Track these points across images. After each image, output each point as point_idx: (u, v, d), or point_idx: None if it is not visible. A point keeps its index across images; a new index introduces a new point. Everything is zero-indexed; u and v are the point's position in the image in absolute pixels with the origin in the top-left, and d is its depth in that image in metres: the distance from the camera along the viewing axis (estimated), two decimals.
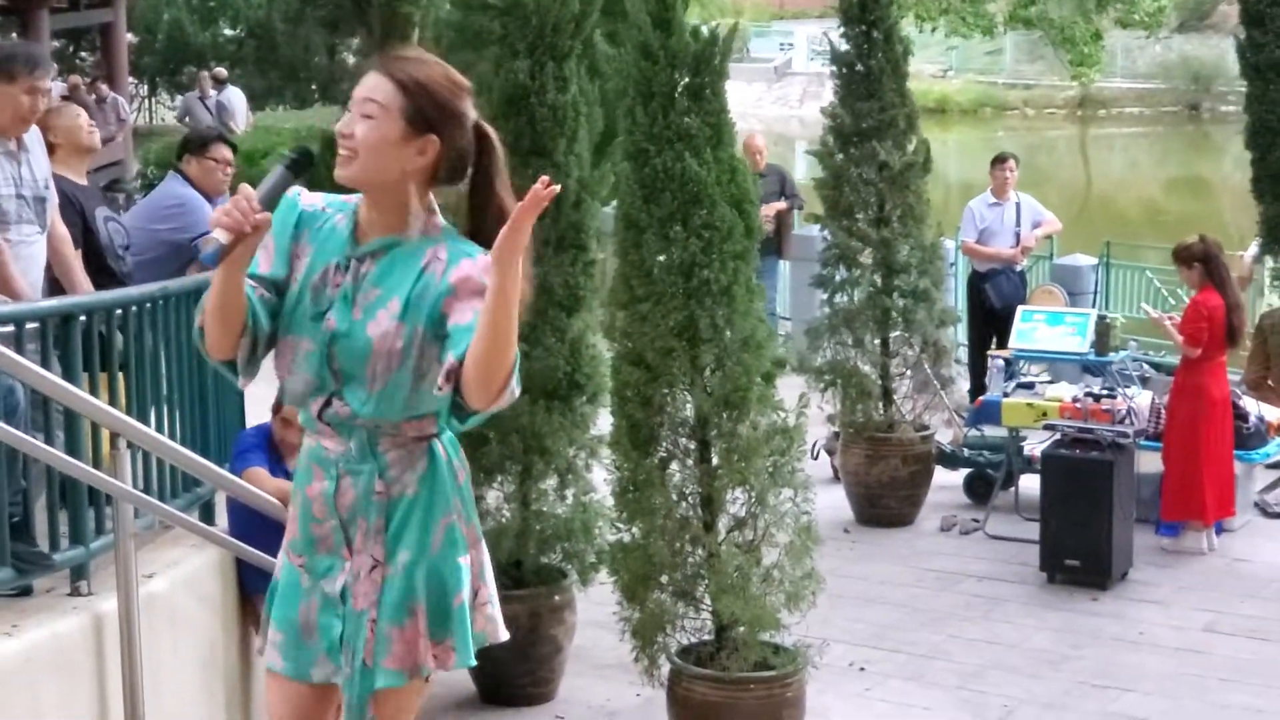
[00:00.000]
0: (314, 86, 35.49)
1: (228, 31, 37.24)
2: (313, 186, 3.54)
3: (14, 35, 20.27)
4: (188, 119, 24.14)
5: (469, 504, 3.50)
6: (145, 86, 36.53)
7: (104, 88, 23.12)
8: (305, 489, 3.50)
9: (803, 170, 21.91)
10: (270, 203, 3.34)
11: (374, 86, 3.35)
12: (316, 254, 3.41)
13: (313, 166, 3.42)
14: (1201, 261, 9.28)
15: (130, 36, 27.62)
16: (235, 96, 23.53)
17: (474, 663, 3.46)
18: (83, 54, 34.76)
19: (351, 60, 35.76)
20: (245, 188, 3.29)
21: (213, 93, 24.43)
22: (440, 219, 3.42)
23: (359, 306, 3.36)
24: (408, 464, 3.41)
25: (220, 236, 3.24)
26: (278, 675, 3.50)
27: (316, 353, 3.37)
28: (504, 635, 3.56)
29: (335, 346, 3.36)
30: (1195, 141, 42.09)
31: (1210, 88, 44.41)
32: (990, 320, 11.78)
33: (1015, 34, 46.99)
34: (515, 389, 3.22)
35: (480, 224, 3.39)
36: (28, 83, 5.79)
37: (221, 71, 25.72)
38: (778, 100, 47.48)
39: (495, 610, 3.55)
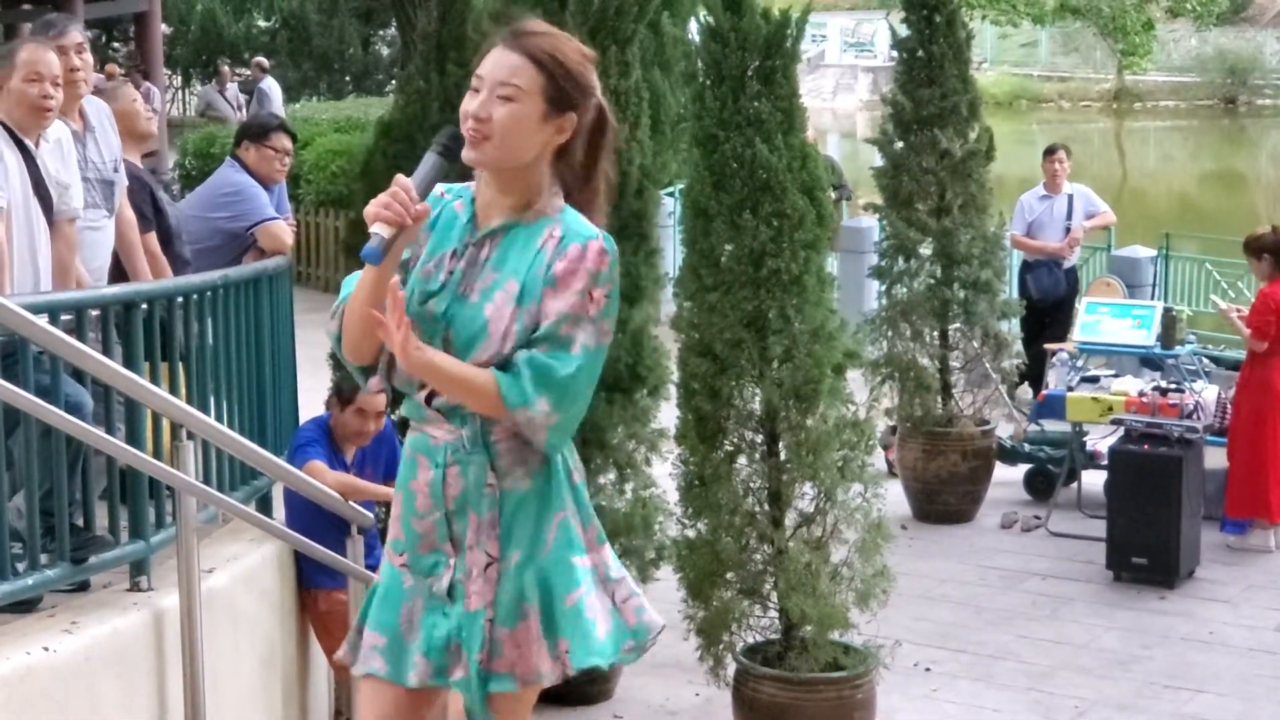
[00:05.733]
0: (348, 78, 35.45)
1: (261, 23, 37.21)
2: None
3: None
4: (208, 111, 24.09)
5: (584, 505, 3.37)
6: (178, 78, 36.52)
7: (139, 79, 23.01)
8: (409, 484, 3.35)
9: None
10: (425, 191, 3.21)
11: (510, 66, 3.19)
12: (435, 241, 3.29)
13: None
14: (1271, 253, 9.05)
15: (163, 27, 27.53)
16: (272, 87, 23.40)
17: (596, 661, 3.32)
18: (115, 44, 34.73)
19: (386, 51, 35.84)
20: (401, 178, 3.16)
21: (230, 84, 24.33)
22: (560, 198, 3.29)
23: (476, 290, 3.24)
24: (520, 457, 3.27)
25: (382, 231, 3.11)
26: (375, 679, 3.36)
27: (427, 337, 3.23)
28: (657, 622, 3.48)
29: (451, 330, 3.23)
30: (1231, 135, 41.75)
31: (1246, 81, 44.08)
32: (1031, 312, 11.56)
33: (1051, 25, 46.59)
34: (528, 412, 3.17)
35: (581, 193, 3.29)
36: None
37: (264, 61, 25.60)
38: (810, 92, 47.09)
39: (641, 600, 3.46)
